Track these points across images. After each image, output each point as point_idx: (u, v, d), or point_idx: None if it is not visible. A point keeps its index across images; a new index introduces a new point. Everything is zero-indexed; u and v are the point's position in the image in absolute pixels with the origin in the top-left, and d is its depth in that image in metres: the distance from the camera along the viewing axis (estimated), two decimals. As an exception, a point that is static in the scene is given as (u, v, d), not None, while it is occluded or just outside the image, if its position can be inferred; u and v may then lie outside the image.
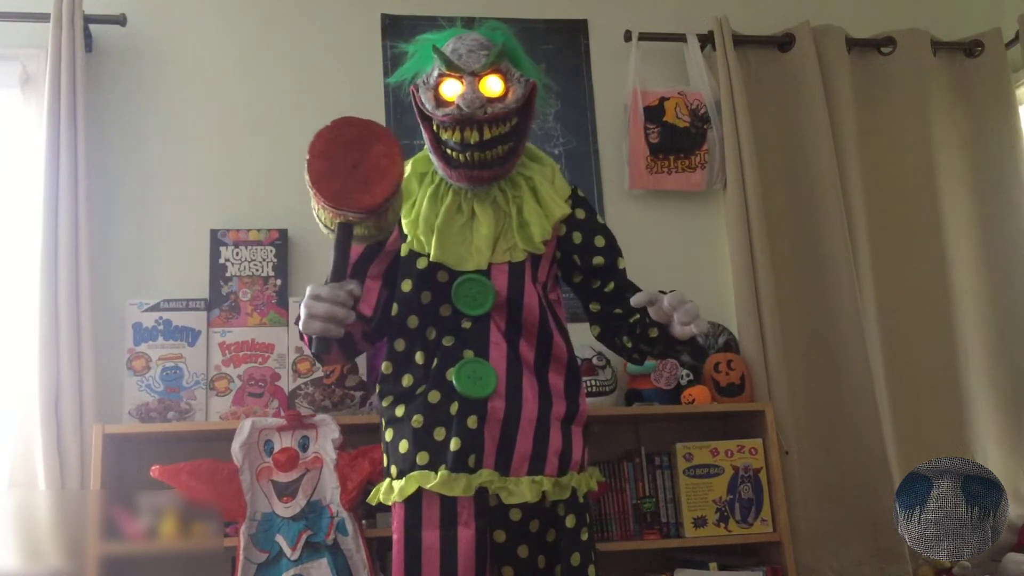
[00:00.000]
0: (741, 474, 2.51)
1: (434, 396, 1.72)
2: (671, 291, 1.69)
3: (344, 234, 1.56)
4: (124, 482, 2.34)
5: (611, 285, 1.90)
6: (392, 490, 1.73)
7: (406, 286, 1.79)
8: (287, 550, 2.13)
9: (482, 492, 1.69)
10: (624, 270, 1.93)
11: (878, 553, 2.62)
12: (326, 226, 1.62)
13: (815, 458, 2.67)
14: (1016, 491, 2.79)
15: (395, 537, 1.72)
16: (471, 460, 1.68)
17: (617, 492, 2.51)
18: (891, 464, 2.68)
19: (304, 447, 2.23)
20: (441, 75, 1.76)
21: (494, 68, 1.76)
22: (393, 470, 1.75)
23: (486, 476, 1.68)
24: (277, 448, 2.21)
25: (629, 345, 1.86)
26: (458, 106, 1.72)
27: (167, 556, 1.77)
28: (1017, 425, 2.87)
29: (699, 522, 2.47)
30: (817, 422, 2.72)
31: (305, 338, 1.68)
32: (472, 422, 1.69)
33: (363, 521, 2.24)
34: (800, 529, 2.55)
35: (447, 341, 1.75)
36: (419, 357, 1.76)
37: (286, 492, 2.19)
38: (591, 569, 1.72)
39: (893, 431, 2.77)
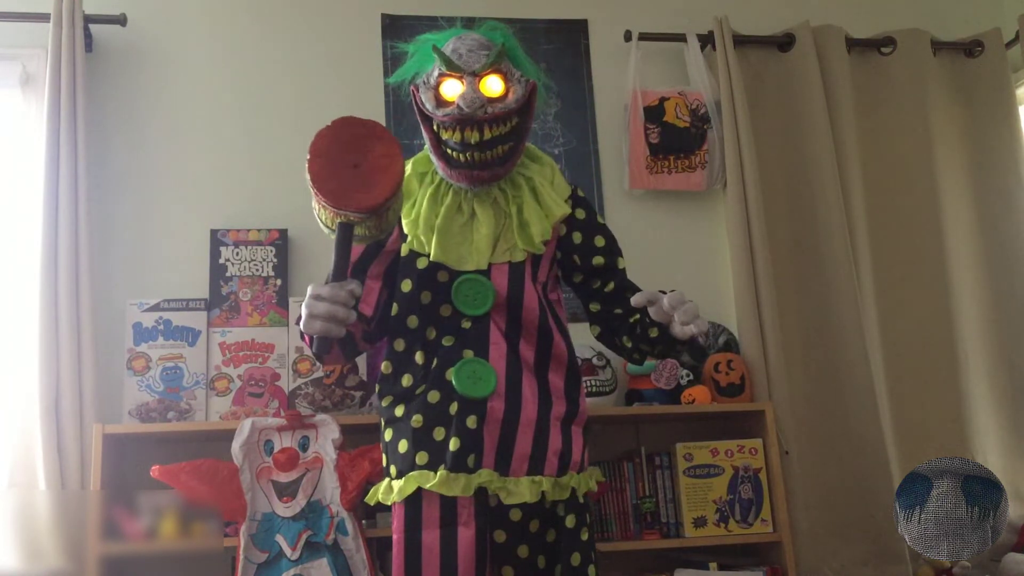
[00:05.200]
0: (741, 474, 2.51)
1: (434, 396, 1.72)
2: (671, 291, 1.70)
3: (344, 234, 1.56)
4: (124, 482, 2.34)
5: (611, 285, 1.91)
6: (392, 490, 1.73)
7: (406, 286, 1.79)
8: (287, 550, 2.13)
9: (482, 492, 1.69)
10: (624, 270, 1.94)
11: (878, 553, 2.62)
12: (327, 226, 1.62)
13: (815, 458, 2.67)
14: (1016, 491, 2.79)
15: (395, 537, 1.72)
16: (470, 460, 1.68)
17: (617, 492, 2.51)
18: (891, 464, 2.68)
19: (304, 447, 2.23)
20: (442, 75, 1.77)
21: (494, 68, 1.77)
22: (392, 470, 1.75)
23: (485, 476, 1.68)
24: (277, 448, 2.21)
25: (629, 345, 1.87)
26: (458, 106, 1.73)
27: (167, 556, 1.77)
28: (1017, 425, 2.87)
29: (699, 522, 2.47)
30: (817, 422, 2.72)
31: (306, 338, 1.67)
32: (471, 422, 1.69)
33: (363, 521, 2.24)
34: (800, 529, 2.54)
35: (447, 341, 1.76)
36: (419, 357, 1.76)
37: (286, 492, 2.19)
38: (591, 569, 1.72)
39: (893, 431, 2.77)
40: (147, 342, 2.43)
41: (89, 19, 2.59)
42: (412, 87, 1.82)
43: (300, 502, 2.19)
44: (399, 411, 1.76)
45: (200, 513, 1.93)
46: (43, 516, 2.01)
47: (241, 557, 2.12)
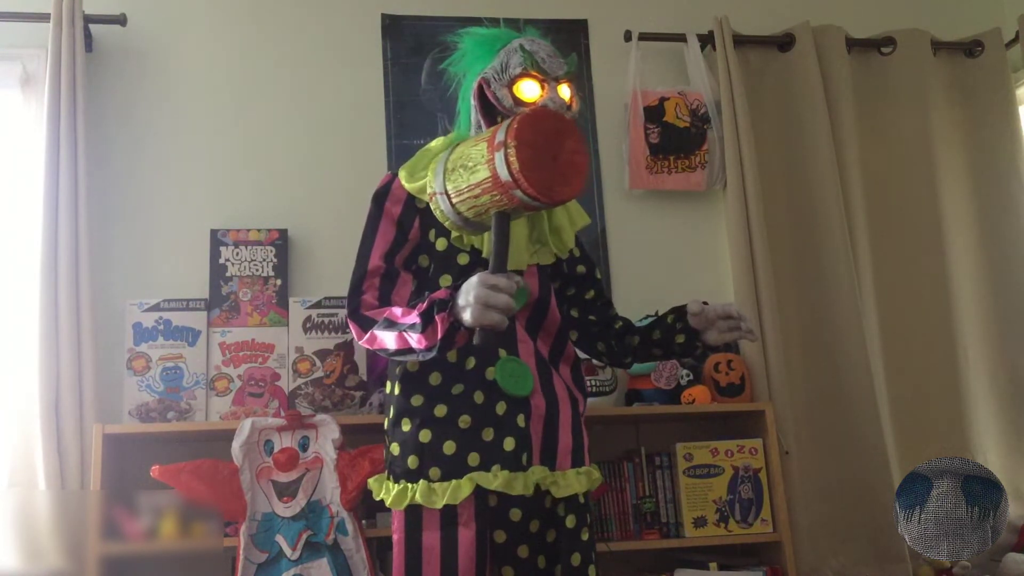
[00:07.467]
0: (741, 474, 2.51)
1: (479, 396, 1.72)
2: (703, 301, 1.86)
3: (504, 224, 1.53)
4: (124, 482, 2.34)
5: (591, 293, 1.99)
6: (434, 491, 1.68)
7: (445, 281, 1.76)
8: (287, 550, 2.13)
9: (482, 493, 1.69)
10: (601, 280, 2.02)
11: (878, 553, 2.62)
12: (462, 215, 1.57)
13: (815, 458, 2.67)
14: (1016, 491, 2.79)
15: (395, 537, 1.72)
16: (523, 458, 1.71)
17: (617, 492, 2.51)
18: (891, 464, 2.68)
19: (304, 447, 2.24)
20: (523, 75, 1.76)
21: (567, 77, 1.80)
22: (435, 471, 1.69)
23: (539, 472, 1.71)
24: (277, 448, 2.21)
25: (617, 349, 1.95)
26: (544, 107, 1.73)
27: (167, 556, 1.77)
28: (1017, 425, 2.87)
29: (699, 522, 2.47)
30: (817, 422, 2.72)
31: (441, 328, 1.56)
32: (521, 420, 1.72)
33: (363, 521, 2.24)
34: (800, 529, 2.54)
35: (478, 339, 1.75)
36: (451, 355, 1.74)
37: (286, 492, 2.19)
38: (591, 569, 1.73)
39: (893, 431, 2.77)
40: (147, 342, 2.43)
41: (89, 19, 2.59)
42: (482, 80, 1.79)
43: (300, 502, 2.19)
44: (440, 411, 1.72)
45: (200, 513, 1.94)
46: (43, 516, 2.01)
47: (241, 557, 2.11)
